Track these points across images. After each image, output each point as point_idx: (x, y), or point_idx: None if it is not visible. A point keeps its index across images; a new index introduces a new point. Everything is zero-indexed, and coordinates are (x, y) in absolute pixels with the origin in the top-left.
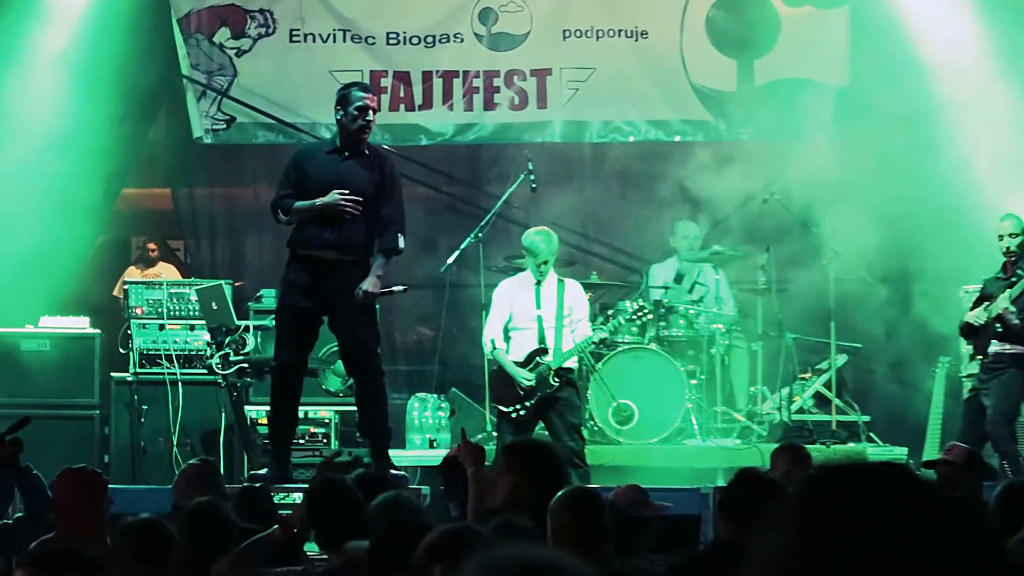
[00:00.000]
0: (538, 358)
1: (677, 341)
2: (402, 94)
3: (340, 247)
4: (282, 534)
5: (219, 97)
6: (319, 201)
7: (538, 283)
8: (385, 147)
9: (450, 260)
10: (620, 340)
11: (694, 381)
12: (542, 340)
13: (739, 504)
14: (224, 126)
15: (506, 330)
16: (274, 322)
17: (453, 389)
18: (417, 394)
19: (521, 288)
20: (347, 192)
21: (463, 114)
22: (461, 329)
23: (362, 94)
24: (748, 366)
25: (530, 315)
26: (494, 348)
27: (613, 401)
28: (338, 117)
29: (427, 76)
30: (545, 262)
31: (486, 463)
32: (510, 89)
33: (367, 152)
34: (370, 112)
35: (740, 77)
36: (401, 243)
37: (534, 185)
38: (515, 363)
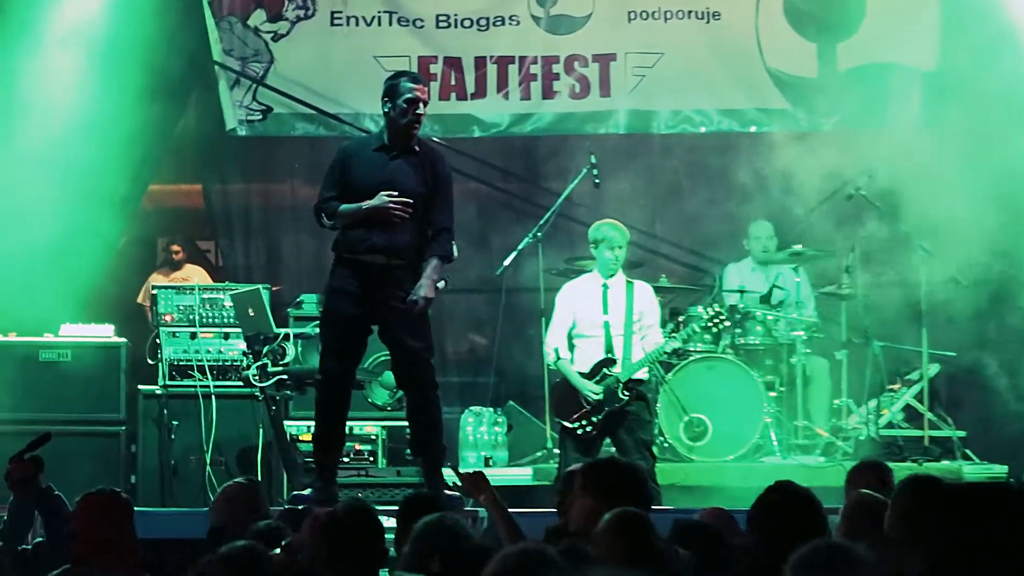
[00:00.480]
0: (605, 369)
1: (754, 349)
2: (453, 82)
3: (389, 251)
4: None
5: (254, 85)
6: (366, 204)
7: (605, 285)
8: (435, 140)
9: (506, 262)
10: (692, 348)
11: (773, 393)
12: (609, 349)
13: (770, 516)
14: (259, 117)
15: (570, 337)
16: (318, 330)
17: (510, 402)
18: (471, 408)
19: (586, 291)
20: (396, 194)
21: (519, 103)
22: (518, 337)
23: (411, 85)
24: (831, 377)
25: (596, 321)
26: (558, 358)
27: (685, 415)
28: (385, 110)
29: (480, 62)
30: (620, 247)
31: (491, 484)
32: (570, 76)
33: (417, 149)
34: (420, 105)
35: (821, 62)
36: (455, 251)
37: (597, 180)
38: (580, 374)
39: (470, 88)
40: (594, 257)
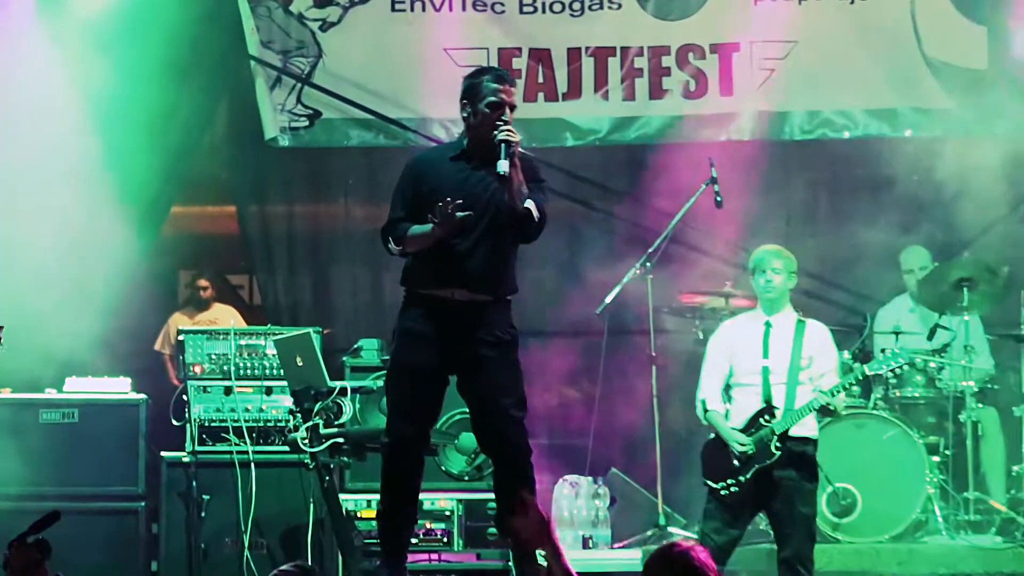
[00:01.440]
0: (762, 418)
1: (913, 404)
2: (541, 79)
3: (473, 283)
4: None
5: (299, 85)
6: (436, 224)
7: (768, 324)
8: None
9: (608, 299)
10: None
11: (936, 458)
12: (768, 397)
13: None
14: (306, 123)
15: (728, 388)
16: (381, 383)
17: (613, 470)
18: (566, 477)
19: (746, 331)
20: (475, 207)
21: (621, 105)
22: (623, 391)
23: (496, 86)
24: (1009, 438)
25: (754, 367)
26: (706, 410)
27: (828, 485)
28: (464, 115)
29: (574, 55)
30: (777, 272)
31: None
32: (684, 71)
33: None
34: (507, 111)
35: (993, 50)
36: (535, 212)
37: (719, 198)
38: (734, 429)
39: (561, 87)
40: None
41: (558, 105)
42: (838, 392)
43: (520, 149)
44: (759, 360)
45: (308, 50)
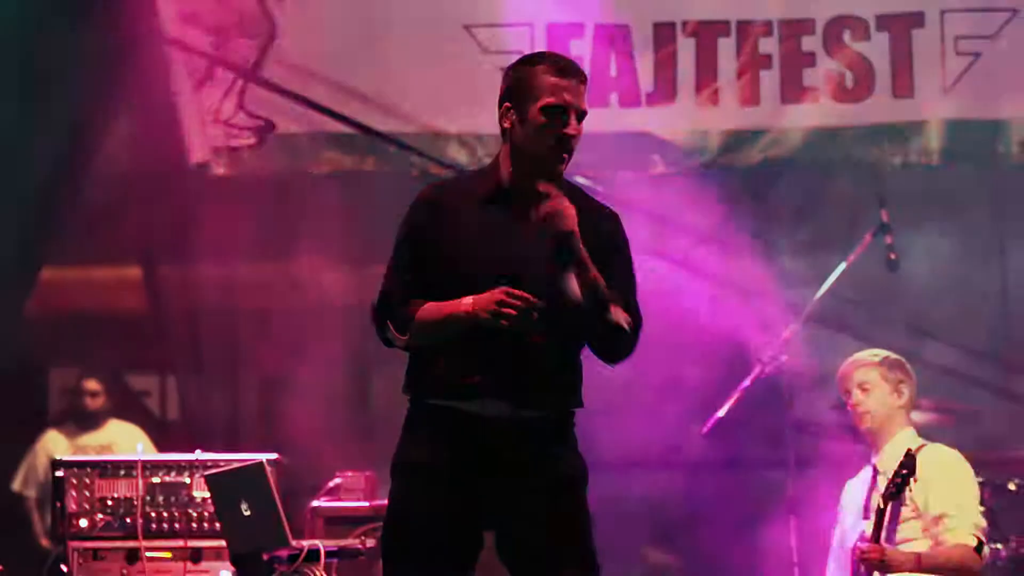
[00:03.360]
0: None
1: None
2: (614, 71)
3: (519, 392)
4: None
5: (241, 82)
6: (469, 303)
7: (874, 471)
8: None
9: (721, 413)
10: None
11: None
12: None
13: None
14: (252, 140)
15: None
16: (381, 547)
17: None
18: None
19: (855, 489)
20: (524, 281)
21: (738, 111)
22: (752, 548)
23: (556, 80)
24: None
25: (854, 527)
26: None
27: None
28: (505, 125)
29: (664, 34)
30: (902, 383)
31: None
32: (836, 58)
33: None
34: (573, 118)
35: None
36: (626, 323)
37: (893, 257)
38: None
39: (645, 83)
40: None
41: (640, 113)
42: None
43: (581, 181)
44: (859, 519)
45: (255, 27)
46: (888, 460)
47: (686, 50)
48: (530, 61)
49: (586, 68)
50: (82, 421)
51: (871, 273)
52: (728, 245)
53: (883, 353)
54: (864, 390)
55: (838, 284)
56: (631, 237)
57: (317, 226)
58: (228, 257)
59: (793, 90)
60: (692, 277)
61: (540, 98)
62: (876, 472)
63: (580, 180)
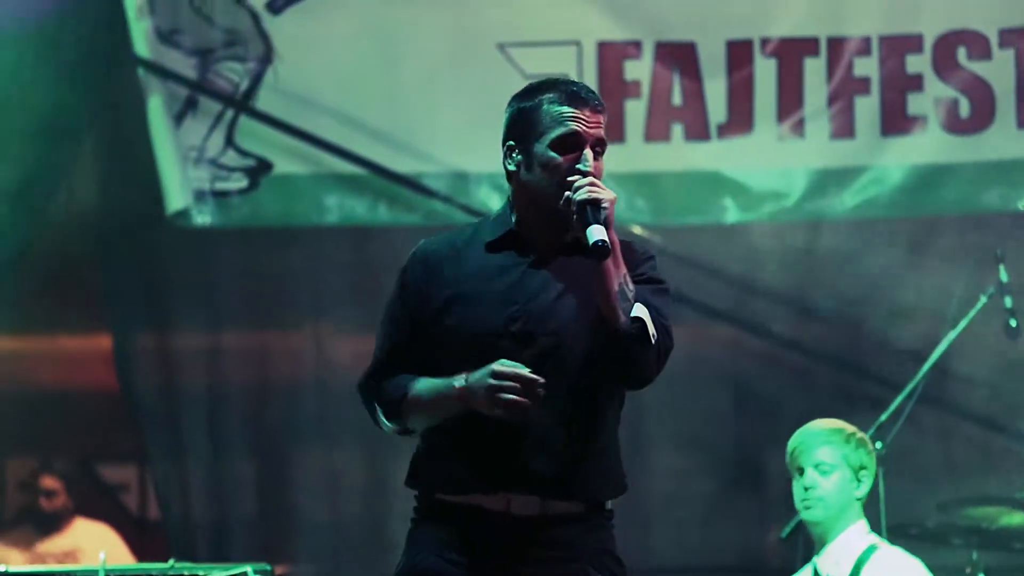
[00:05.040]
0: None
1: None
2: (677, 99)
3: (547, 483)
4: None
5: (231, 113)
6: (460, 385)
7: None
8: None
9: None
10: None
11: None
12: None
13: None
14: (244, 183)
15: None
16: None
17: None
18: None
19: None
20: (519, 367)
21: (831, 145)
22: None
23: (565, 109)
24: None
25: None
26: None
27: None
28: (510, 167)
29: (740, 54)
30: (863, 470)
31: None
32: (949, 82)
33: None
34: (588, 153)
35: None
36: (651, 327)
37: (1013, 321)
38: None
39: (716, 113)
40: None
41: (709, 147)
42: None
43: (637, 231)
44: None
45: (247, 48)
46: (832, 564)
47: (765, 72)
48: (535, 92)
49: (644, 94)
50: (41, 524)
51: (987, 343)
52: (811, 308)
53: (850, 429)
54: (822, 472)
55: (946, 357)
56: (698, 298)
57: (320, 286)
58: (214, 326)
59: (896, 120)
60: (763, 345)
61: (548, 132)
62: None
63: (636, 230)
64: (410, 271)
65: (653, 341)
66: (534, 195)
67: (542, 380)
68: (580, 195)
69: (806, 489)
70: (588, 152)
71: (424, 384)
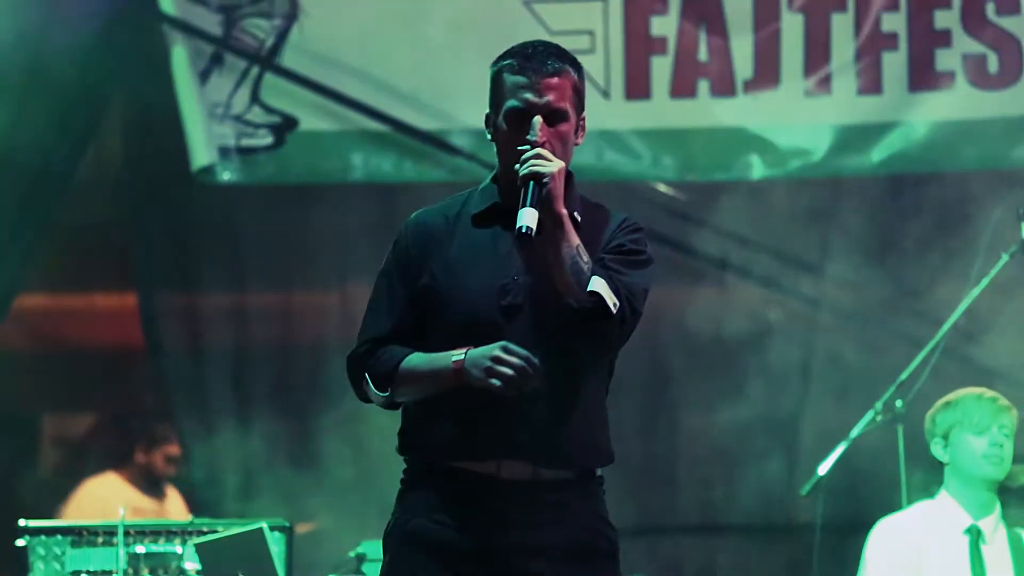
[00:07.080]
0: None
1: None
2: (703, 56)
3: (536, 448)
4: None
5: (256, 71)
6: (458, 360)
7: (975, 530)
8: (662, 186)
9: (822, 469)
10: None
11: None
12: None
13: None
14: (269, 140)
15: None
16: None
17: None
18: None
19: (934, 542)
20: (520, 352)
21: (857, 101)
22: None
23: (518, 79)
24: None
25: None
26: None
27: None
28: (488, 136)
29: (767, 9)
30: (1005, 440)
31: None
32: (977, 37)
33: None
34: (536, 125)
35: None
36: (610, 299)
37: None
38: None
39: (743, 68)
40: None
41: (735, 103)
42: None
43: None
44: None
45: (273, 5)
46: (994, 526)
47: (792, 28)
48: (501, 57)
49: (670, 50)
50: (147, 482)
51: (1009, 301)
52: (833, 268)
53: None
54: (1008, 435)
55: (968, 314)
56: (723, 257)
57: (346, 243)
58: (238, 285)
59: (924, 76)
60: (788, 302)
61: (502, 104)
62: (980, 535)
63: (661, 188)
64: (402, 242)
65: (614, 311)
66: (502, 167)
67: (537, 363)
68: (523, 169)
69: (993, 449)
70: (537, 120)
71: (419, 356)
